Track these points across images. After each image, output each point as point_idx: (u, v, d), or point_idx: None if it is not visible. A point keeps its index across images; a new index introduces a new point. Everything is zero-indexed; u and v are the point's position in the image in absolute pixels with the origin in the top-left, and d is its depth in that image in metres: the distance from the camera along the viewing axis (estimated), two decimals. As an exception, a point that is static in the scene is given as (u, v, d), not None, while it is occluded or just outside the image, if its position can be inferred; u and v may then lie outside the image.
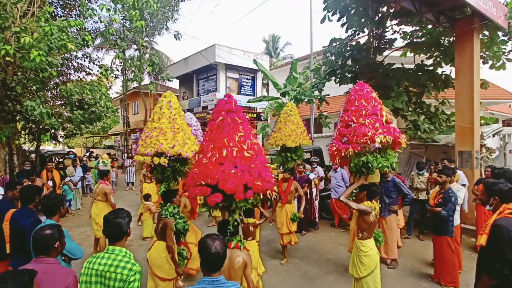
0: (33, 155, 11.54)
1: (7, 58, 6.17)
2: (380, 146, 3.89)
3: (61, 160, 11.35)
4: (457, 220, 4.96)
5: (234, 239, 2.88)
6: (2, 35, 6.00)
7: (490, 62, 8.79)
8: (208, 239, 2.03)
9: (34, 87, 7.59)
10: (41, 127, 9.54)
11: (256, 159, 2.88)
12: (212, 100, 17.20)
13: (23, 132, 10.96)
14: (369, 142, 3.77)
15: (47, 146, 25.27)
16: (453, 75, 8.49)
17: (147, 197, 6.88)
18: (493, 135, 8.76)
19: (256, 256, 4.36)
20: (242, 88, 19.37)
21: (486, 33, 8.21)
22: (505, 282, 2.43)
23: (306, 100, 11.20)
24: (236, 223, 2.93)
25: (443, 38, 9.17)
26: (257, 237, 4.73)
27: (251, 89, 19.84)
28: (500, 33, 8.15)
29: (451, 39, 8.76)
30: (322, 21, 9.51)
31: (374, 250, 3.82)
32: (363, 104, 4.02)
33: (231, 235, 2.89)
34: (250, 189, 2.72)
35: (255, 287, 2.92)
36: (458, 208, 4.95)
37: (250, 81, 19.87)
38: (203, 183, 2.75)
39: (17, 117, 8.99)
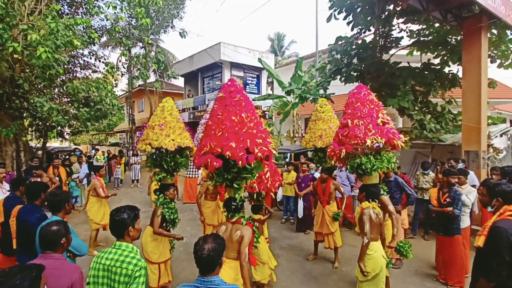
0: (39, 152, 11.68)
1: (15, 56, 6.23)
2: (373, 147, 3.87)
3: (67, 157, 11.45)
4: (466, 222, 4.90)
5: (237, 215, 3.15)
6: (10, 33, 6.06)
7: (498, 61, 8.70)
8: (201, 241, 2.00)
9: (41, 85, 7.67)
10: (48, 124, 9.66)
11: (257, 131, 3.17)
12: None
13: (30, 129, 11.09)
14: (360, 143, 3.76)
15: (54, 143, 25.53)
16: (460, 74, 8.40)
17: (156, 191, 6.95)
18: (501, 135, 8.63)
19: (265, 251, 4.47)
20: (247, 86, 19.38)
21: (494, 31, 8.11)
22: (502, 285, 2.39)
23: (311, 98, 11.17)
24: (241, 201, 3.21)
25: (450, 36, 9.08)
26: (265, 234, 4.74)
27: (256, 87, 19.85)
28: (508, 32, 8.06)
29: (459, 37, 8.66)
30: (328, 19, 9.46)
31: (379, 253, 3.68)
32: (359, 107, 4.04)
33: (235, 211, 3.17)
34: (251, 153, 2.95)
35: (247, 261, 3.01)
36: (467, 210, 4.90)
37: (255, 79, 19.87)
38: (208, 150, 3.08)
39: (24, 114, 9.10)
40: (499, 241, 2.38)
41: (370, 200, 3.83)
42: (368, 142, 3.70)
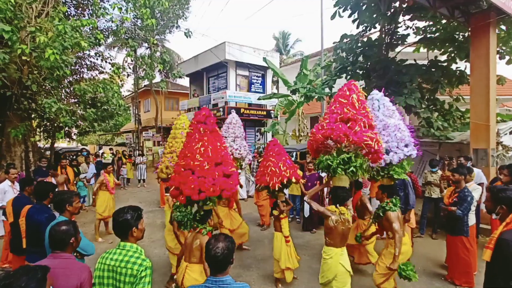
0: (48, 152, 11.82)
1: (24, 57, 6.32)
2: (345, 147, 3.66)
3: (74, 157, 11.58)
4: (472, 220, 4.84)
5: (200, 225, 3.45)
6: (18, 35, 6.14)
7: (507, 57, 8.55)
8: (213, 240, 2.01)
9: (49, 86, 7.76)
10: (55, 125, 9.76)
11: (217, 168, 3.45)
12: (222, 98, 17.26)
13: (38, 129, 11.23)
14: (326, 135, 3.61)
15: (61, 144, 25.84)
16: (468, 71, 8.29)
17: (167, 189, 7.05)
18: (510, 133, 8.49)
19: (277, 249, 4.61)
20: (252, 85, 19.38)
21: (503, 27, 7.99)
22: None
23: (316, 97, 11.13)
24: (203, 214, 3.50)
25: (457, 33, 8.96)
26: (285, 232, 4.66)
27: (261, 86, 19.83)
28: (517, 28, 7.92)
29: (466, 34, 8.55)
30: (333, 17, 9.41)
31: (336, 260, 3.43)
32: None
33: (198, 222, 3.49)
34: (204, 192, 3.30)
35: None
36: (473, 208, 4.85)
37: (260, 78, 19.85)
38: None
39: (33, 115, 9.22)
40: (508, 255, 2.17)
41: (337, 204, 3.53)
42: (319, 136, 3.66)
